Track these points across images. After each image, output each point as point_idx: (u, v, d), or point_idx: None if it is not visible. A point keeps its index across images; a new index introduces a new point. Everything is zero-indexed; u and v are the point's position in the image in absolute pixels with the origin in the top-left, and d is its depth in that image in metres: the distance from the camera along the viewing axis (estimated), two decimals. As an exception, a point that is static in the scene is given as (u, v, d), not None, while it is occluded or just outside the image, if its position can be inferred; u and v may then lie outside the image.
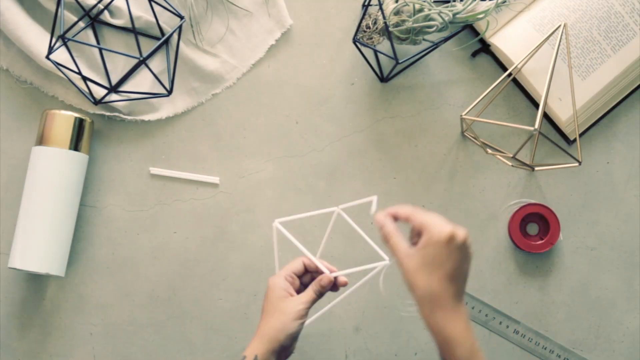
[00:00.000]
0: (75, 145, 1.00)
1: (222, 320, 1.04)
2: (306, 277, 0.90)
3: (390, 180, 1.06)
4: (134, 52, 1.04)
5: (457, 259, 0.76)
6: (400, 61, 0.98)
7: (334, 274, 0.88)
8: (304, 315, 0.85)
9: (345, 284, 0.89)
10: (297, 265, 0.89)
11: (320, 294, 0.87)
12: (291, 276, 0.88)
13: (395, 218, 0.82)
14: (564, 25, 1.01)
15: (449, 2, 0.98)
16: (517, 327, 1.05)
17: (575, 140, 1.06)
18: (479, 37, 1.03)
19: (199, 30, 1.05)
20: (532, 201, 1.06)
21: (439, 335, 0.76)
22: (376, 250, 0.90)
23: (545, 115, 1.07)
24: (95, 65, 1.03)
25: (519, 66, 1.03)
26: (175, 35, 1.03)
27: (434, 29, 0.97)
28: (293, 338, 0.84)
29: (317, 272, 0.90)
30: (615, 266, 1.06)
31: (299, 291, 0.88)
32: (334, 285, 0.89)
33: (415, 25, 0.96)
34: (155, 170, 1.04)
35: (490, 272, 1.06)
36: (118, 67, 1.04)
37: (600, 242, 1.07)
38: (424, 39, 1.01)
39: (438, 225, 0.75)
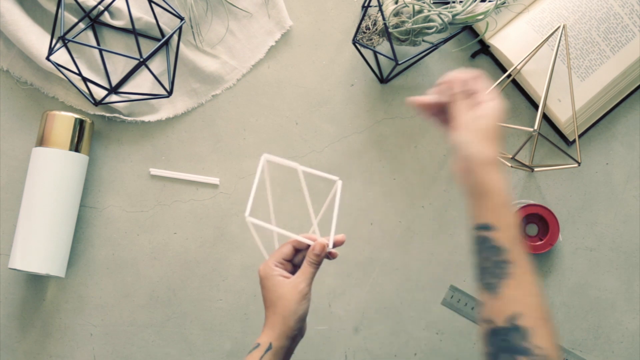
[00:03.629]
0: (76, 146, 1.00)
1: (222, 320, 1.04)
2: (297, 257, 0.87)
3: (390, 180, 1.06)
4: (134, 53, 1.04)
5: (499, 127, 0.79)
6: (399, 62, 0.99)
7: (324, 240, 0.84)
8: (308, 292, 0.83)
9: (342, 242, 0.85)
10: (286, 250, 0.86)
11: (316, 265, 0.84)
12: (281, 262, 0.85)
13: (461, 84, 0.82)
14: (563, 27, 1.01)
15: (448, 3, 0.99)
16: (517, 328, 1.06)
17: (574, 141, 1.06)
18: (478, 38, 1.03)
19: (199, 32, 1.05)
20: (532, 202, 1.06)
21: (496, 197, 0.75)
22: (324, 176, 0.86)
23: (545, 116, 1.07)
24: (96, 66, 1.03)
25: (518, 67, 1.03)
26: (175, 37, 1.03)
27: (433, 30, 0.97)
28: (303, 319, 0.83)
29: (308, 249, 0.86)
30: (615, 267, 1.07)
31: (293, 273, 0.85)
32: (330, 253, 0.86)
33: (414, 26, 0.96)
34: (155, 171, 1.04)
35: (490, 273, 1.06)
36: (118, 68, 1.04)
37: (600, 242, 1.07)
38: (423, 40, 1.01)
39: (493, 97, 0.79)
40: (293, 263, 0.87)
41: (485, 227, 0.74)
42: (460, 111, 0.79)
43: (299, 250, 0.87)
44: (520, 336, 0.69)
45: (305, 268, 0.84)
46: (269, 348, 0.81)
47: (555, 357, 0.69)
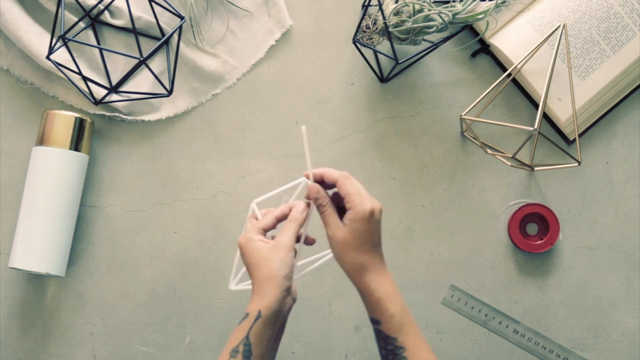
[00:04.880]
0: (76, 146, 1.00)
1: (222, 320, 1.04)
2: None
3: (390, 180, 1.06)
4: (134, 52, 1.04)
5: (378, 229, 0.81)
6: (400, 61, 0.99)
7: (307, 202, 0.84)
8: (291, 244, 0.81)
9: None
10: (267, 221, 0.84)
11: (299, 224, 0.83)
12: (261, 233, 0.83)
13: (322, 179, 0.83)
14: (564, 26, 1.01)
15: (448, 2, 0.99)
16: (517, 327, 1.06)
17: (574, 140, 1.06)
18: (478, 38, 1.03)
19: (199, 31, 1.05)
20: (532, 201, 1.06)
21: (371, 296, 0.80)
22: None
23: (545, 116, 1.07)
24: (96, 65, 1.03)
25: (518, 66, 1.03)
26: (176, 36, 1.03)
27: (433, 29, 0.97)
28: (289, 276, 0.80)
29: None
30: (615, 266, 1.07)
31: None
32: (307, 239, 0.86)
33: (415, 25, 0.96)
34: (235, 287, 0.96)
35: (490, 272, 1.06)
36: (118, 67, 1.04)
37: (600, 242, 1.07)
38: (423, 39, 1.01)
39: (359, 203, 0.79)
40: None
41: (373, 321, 0.80)
42: (328, 220, 0.81)
43: (280, 222, 0.85)
44: None
45: (287, 226, 0.83)
46: (258, 316, 0.78)
47: None
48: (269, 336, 0.78)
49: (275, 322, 0.79)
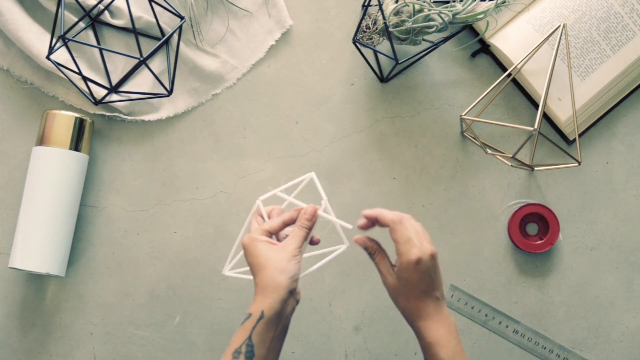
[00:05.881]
0: (76, 146, 1.00)
1: (222, 320, 1.04)
2: (282, 233, 0.86)
3: (390, 180, 1.06)
4: (134, 52, 1.04)
5: (428, 276, 0.81)
6: (400, 61, 0.99)
7: (316, 206, 0.84)
8: (297, 254, 0.80)
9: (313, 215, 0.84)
10: (274, 224, 0.83)
11: (307, 229, 0.82)
12: (267, 234, 0.83)
13: (376, 220, 0.84)
14: (564, 26, 1.01)
15: (448, 2, 0.99)
16: (517, 327, 1.06)
17: (574, 140, 1.06)
18: (478, 38, 1.03)
19: (199, 31, 1.05)
20: (532, 201, 1.06)
21: (423, 340, 0.81)
22: (338, 232, 0.86)
23: (545, 116, 1.07)
24: (96, 65, 1.03)
25: (518, 66, 1.03)
26: (176, 36, 1.03)
27: (433, 29, 0.97)
28: (295, 278, 0.79)
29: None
30: (615, 266, 1.07)
31: None
32: (312, 238, 0.85)
33: (415, 25, 0.96)
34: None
35: (490, 272, 1.06)
36: (118, 67, 1.04)
37: (600, 242, 1.07)
38: (423, 39, 1.01)
39: (406, 252, 0.80)
40: (278, 239, 0.85)
41: None
42: (379, 267, 0.84)
43: (287, 226, 0.85)
44: None
45: (295, 232, 0.82)
46: (261, 317, 0.77)
47: None
48: (271, 337, 0.78)
49: (278, 323, 0.79)
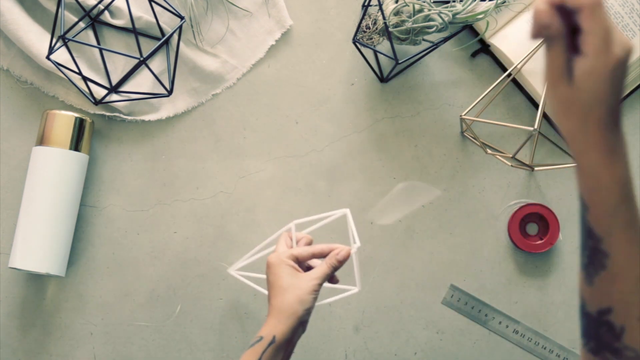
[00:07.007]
0: (76, 146, 1.00)
1: (222, 320, 1.04)
2: (304, 264, 0.87)
3: (390, 180, 1.06)
4: (135, 52, 1.04)
5: (620, 87, 0.58)
6: (400, 61, 0.99)
7: (350, 249, 0.85)
8: (318, 289, 0.82)
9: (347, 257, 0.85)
10: (304, 253, 0.85)
11: (334, 269, 0.83)
12: (293, 259, 0.84)
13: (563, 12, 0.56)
14: (564, 26, 1.01)
15: (448, 2, 0.99)
16: (517, 327, 1.06)
17: (574, 140, 1.06)
18: (478, 38, 1.03)
19: (199, 31, 1.05)
20: (532, 201, 1.06)
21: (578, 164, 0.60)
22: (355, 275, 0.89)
23: (545, 115, 1.07)
24: (96, 65, 1.03)
25: (518, 66, 1.03)
26: (176, 36, 1.03)
27: (433, 29, 0.97)
28: (310, 312, 0.81)
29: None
30: (615, 266, 1.07)
31: None
32: (332, 277, 0.87)
33: (415, 25, 0.96)
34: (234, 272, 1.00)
35: (490, 272, 1.06)
36: (118, 67, 1.04)
37: (600, 242, 1.07)
38: (423, 39, 1.01)
39: (602, 48, 0.55)
40: (300, 266, 0.86)
41: (581, 203, 0.61)
42: (554, 64, 0.57)
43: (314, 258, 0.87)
44: (609, 333, 0.61)
45: (323, 268, 0.83)
46: (272, 342, 0.79)
47: None
48: None
49: (286, 349, 0.81)
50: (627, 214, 0.59)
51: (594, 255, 0.60)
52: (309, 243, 0.89)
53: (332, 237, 1.03)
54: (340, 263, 0.84)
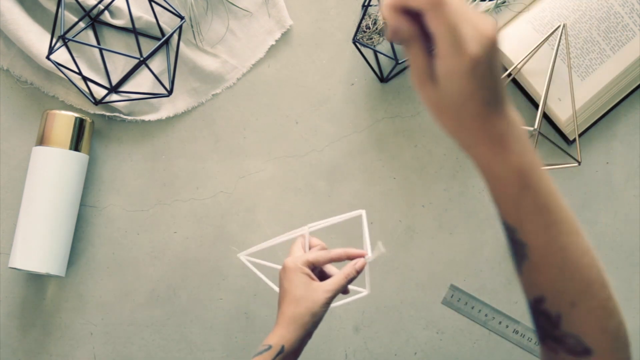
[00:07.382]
0: (76, 146, 1.00)
1: (222, 320, 1.04)
2: (317, 270, 0.87)
3: (390, 180, 1.06)
4: (135, 52, 1.04)
5: (491, 78, 0.53)
6: (400, 61, 0.99)
7: (366, 258, 0.85)
8: (330, 303, 0.81)
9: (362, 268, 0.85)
10: (320, 259, 0.84)
11: (351, 280, 0.83)
12: (309, 266, 0.83)
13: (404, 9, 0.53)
14: (564, 26, 1.01)
15: (448, 2, 0.99)
16: (517, 327, 1.06)
17: (574, 140, 1.06)
18: (478, 38, 1.03)
19: (199, 31, 1.05)
20: (532, 201, 1.06)
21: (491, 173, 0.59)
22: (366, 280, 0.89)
23: (545, 116, 1.07)
24: (96, 65, 1.03)
25: (518, 66, 1.03)
26: (176, 36, 1.03)
27: (433, 29, 0.97)
28: (318, 323, 0.81)
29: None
30: (615, 266, 1.07)
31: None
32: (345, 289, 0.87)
33: (415, 25, 0.96)
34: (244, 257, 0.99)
35: (490, 272, 1.06)
36: (118, 67, 1.04)
37: (600, 242, 1.07)
38: (423, 39, 1.01)
39: (452, 48, 0.51)
40: (313, 270, 0.86)
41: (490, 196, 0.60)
42: (416, 68, 0.55)
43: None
44: (548, 322, 0.61)
45: (339, 278, 0.82)
46: (281, 351, 0.78)
47: (601, 343, 0.61)
48: None
49: (293, 359, 0.81)
50: (536, 200, 0.57)
51: (514, 247, 0.59)
52: (322, 249, 0.89)
53: (332, 238, 1.03)
54: (358, 273, 0.83)
